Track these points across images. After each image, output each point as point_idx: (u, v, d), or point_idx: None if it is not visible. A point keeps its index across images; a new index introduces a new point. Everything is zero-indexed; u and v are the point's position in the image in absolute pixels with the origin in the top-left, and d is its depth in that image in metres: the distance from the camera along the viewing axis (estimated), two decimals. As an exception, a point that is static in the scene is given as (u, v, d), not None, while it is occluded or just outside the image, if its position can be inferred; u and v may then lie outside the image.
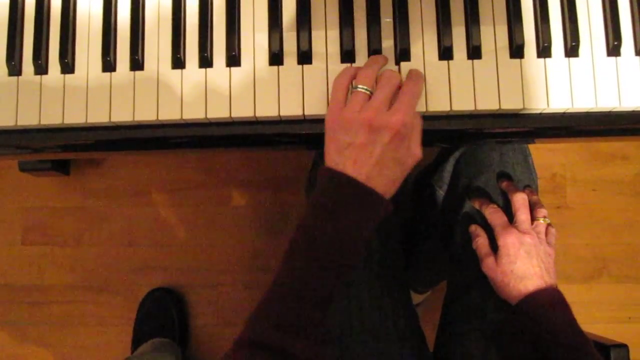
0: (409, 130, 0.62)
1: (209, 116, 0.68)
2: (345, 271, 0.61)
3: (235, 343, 0.58)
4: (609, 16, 0.69)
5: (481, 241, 0.79)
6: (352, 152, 0.61)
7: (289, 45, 0.70)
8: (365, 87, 0.63)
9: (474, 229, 0.81)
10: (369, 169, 0.61)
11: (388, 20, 0.70)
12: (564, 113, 0.69)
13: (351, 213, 0.60)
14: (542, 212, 0.80)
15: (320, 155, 0.91)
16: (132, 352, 1.38)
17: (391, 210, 0.63)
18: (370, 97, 0.63)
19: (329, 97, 0.67)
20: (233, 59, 0.69)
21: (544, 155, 1.51)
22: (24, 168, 1.43)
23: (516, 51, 0.69)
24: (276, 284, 0.60)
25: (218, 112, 0.69)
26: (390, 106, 0.62)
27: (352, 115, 0.62)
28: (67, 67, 0.70)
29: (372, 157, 0.61)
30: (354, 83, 0.65)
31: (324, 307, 0.60)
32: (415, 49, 0.69)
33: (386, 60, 0.68)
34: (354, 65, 0.69)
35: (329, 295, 0.60)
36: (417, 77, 0.66)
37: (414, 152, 0.63)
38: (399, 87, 0.64)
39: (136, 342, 1.39)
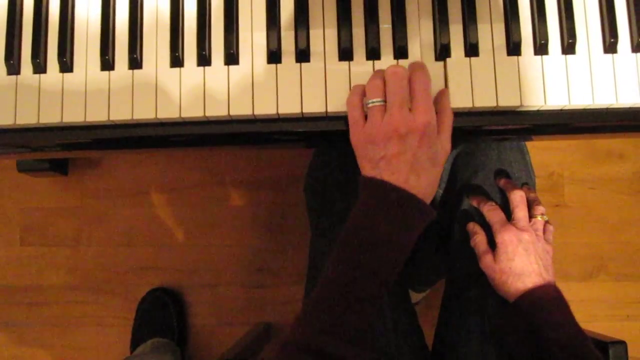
0: (434, 128, 0.62)
1: (207, 114, 0.69)
2: (389, 278, 0.62)
3: (282, 345, 0.59)
4: (605, 13, 0.69)
5: (479, 238, 0.79)
6: (386, 164, 0.61)
7: (287, 44, 0.70)
8: (378, 100, 0.63)
9: (472, 226, 0.81)
10: (407, 175, 0.61)
11: (385, 18, 0.70)
12: (561, 110, 0.70)
13: (397, 218, 0.61)
14: (540, 209, 0.80)
15: (319, 154, 0.91)
16: (131, 352, 1.38)
17: (435, 215, 0.64)
18: (385, 106, 0.63)
19: (348, 116, 0.66)
20: (231, 58, 0.70)
21: (542, 154, 1.51)
22: (22, 168, 1.43)
23: (513, 49, 0.69)
24: (322, 288, 0.61)
25: (216, 110, 0.69)
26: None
27: (376, 130, 0.62)
28: (66, 66, 0.70)
29: (407, 164, 0.61)
30: (365, 100, 0.65)
31: (368, 312, 0.61)
32: (412, 47, 0.70)
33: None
34: (351, 62, 0.69)
35: (374, 301, 0.61)
36: (421, 71, 0.65)
37: (445, 146, 0.64)
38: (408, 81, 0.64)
39: (135, 343, 1.39)
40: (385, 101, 0.63)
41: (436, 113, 0.64)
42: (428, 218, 0.64)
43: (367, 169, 0.63)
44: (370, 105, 0.64)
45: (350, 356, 0.58)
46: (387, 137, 0.61)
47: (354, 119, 0.65)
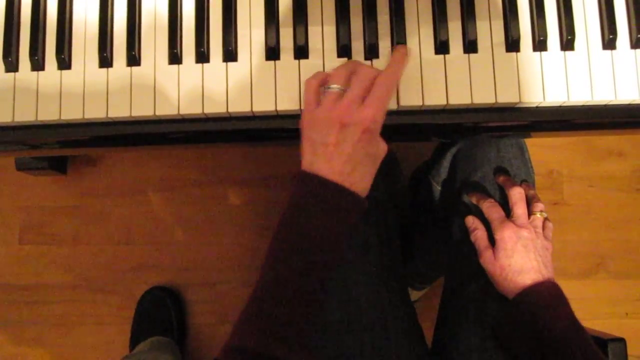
0: (378, 126, 0.62)
1: (206, 112, 0.68)
2: (326, 273, 0.61)
3: (223, 349, 0.58)
4: (604, 10, 0.69)
5: (480, 234, 0.79)
6: (325, 151, 0.61)
7: (286, 41, 0.70)
8: (337, 86, 0.62)
9: (472, 221, 0.81)
10: (342, 167, 0.60)
11: (384, 15, 0.70)
12: (560, 106, 0.70)
13: (326, 213, 0.60)
14: (539, 206, 0.80)
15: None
16: (131, 350, 1.38)
17: (366, 206, 0.63)
18: (341, 95, 0.62)
19: (303, 97, 0.66)
20: (230, 55, 0.69)
21: (541, 152, 1.51)
22: (21, 167, 1.43)
23: (512, 45, 0.69)
24: (258, 289, 0.60)
25: (215, 107, 0.69)
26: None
27: (323, 115, 0.61)
28: (64, 63, 0.70)
29: (344, 155, 0.60)
30: (326, 85, 0.64)
31: (307, 310, 0.60)
32: (411, 43, 0.69)
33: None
34: (350, 59, 0.69)
35: (313, 298, 0.60)
36: (390, 77, 0.64)
37: (382, 146, 0.64)
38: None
39: (134, 341, 1.39)
40: (343, 90, 0.62)
41: None
42: (360, 209, 0.62)
43: (307, 154, 0.62)
44: (327, 90, 0.63)
45: (283, 356, 0.57)
46: (331, 124, 0.60)
47: (307, 100, 0.64)
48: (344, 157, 0.60)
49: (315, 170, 0.61)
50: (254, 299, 0.60)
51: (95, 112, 0.69)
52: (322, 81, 0.64)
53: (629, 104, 0.69)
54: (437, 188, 0.97)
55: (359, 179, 0.61)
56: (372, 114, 0.60)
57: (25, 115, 0.69)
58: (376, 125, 0.61)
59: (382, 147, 0.63)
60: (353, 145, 0.60)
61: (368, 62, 0.69)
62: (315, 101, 0.63)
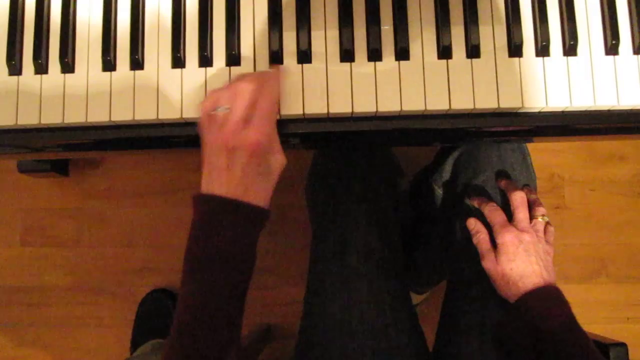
0: (266, 147, 0.63)
1: (208, 115, 0.68)
2: (239, 290, 0.62)
3: None
4: (607, 15, 0.69)
5: (482, 237, 0.79)
6: (218, 174, 0.62)
7: (289, 45, 0.70)
8: (224, 108, 0.63)
9: (474, 223, 0.81)
10: (235, 189, 0.62)
11: (387, 20, 0.70)
12: (562, 112, 0.70)
13: (226, 229, 0.61)
14: (540, 210, 0.80)
15: (320, 155, 0.91)
16: (131, 353, 1.38)
17: (269, 216, 0.65)
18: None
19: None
20: (233, 58, 0.70)
21: (543, 156, 1.51)
22: (23, 169, 1.43)
23: (515, 50, 0.69)
24: (181, 312, 0.61)
25: (218, 111, 0.69)
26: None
27: (212, 138, 0.63)
28: (67, 66, 0.70)
29: (236, 178, 0.62)
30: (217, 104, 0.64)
31: (229, 328, 0.61)
32: (414, 48, 0.70)
33: (251, 76, 0.66)
34: (353, 64, 0.69)
35: (230, 315, 0.61)
36: (273, 88, 0.65)
37: (278, 159, 0.65)
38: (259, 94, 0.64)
39: (135, 344, 1.39)
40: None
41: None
42: (261, 219, 0.64)
43: (205, 176, 0.64)
44: (215, 113, 0.63)
45: None
46: (219, 148, 0.62)
47: (202, 123, 0.65)
48: (236, 180, 0.62)
49: (211, 191, 0.62)
50: (178, 323, 0.60)
51: (98, 115, 0.69)
52: (213, 103, 0.64)
53: (632, 109, 0.69)
54: (439, 192, 0.97)
55: (253, 195, 0.63)
56: (257, 138, 0.61)
57: (28, 118, 0.69)
58: (262, 147, 0.62)
59: (277, 161, 0.65)
60: (242, 168, 0.62)
61: (371, 65, 0.69)
62: (209, 124, 0.64)
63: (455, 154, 0.92)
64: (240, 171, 0.61)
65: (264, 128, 0.62)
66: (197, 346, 0.59)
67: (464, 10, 0.70)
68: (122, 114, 0.69)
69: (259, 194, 0.64)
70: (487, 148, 0.87)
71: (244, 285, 0.63)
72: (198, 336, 0.59)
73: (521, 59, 0.69)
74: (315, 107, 0.68)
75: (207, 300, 0.60)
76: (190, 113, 0.69)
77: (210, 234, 0.61)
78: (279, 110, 0.68)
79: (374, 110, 0.68)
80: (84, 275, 1.47)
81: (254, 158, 0.62)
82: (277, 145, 0.65)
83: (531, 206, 0.80)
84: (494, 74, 0.69)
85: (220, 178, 0.62)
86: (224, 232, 0.61)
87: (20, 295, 1.48)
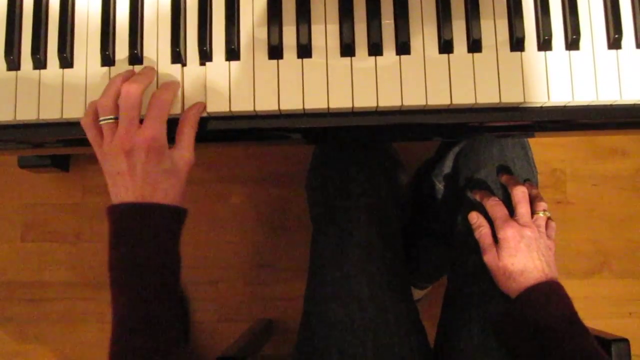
0: (163, 142, 0.63)
1: (208, 110, 0.68)
2: (167, 291, 0.63)
3: None
4: (609, 9, 0.69)
5: (484, 231, 0.79)
6: (121, 180, 0.63)
7: (289, 39, 0.70)
8: (108, 118, 0.64)
9: (476, 217, 0.81)
10: (141, 190, 0.62)
11: (388, 14, 0.70)
12: (564, 106, 0.69)
13: (141, 234, 0.62)
14: (542, 205, 0.80)
15: (320, 150, 0.91)
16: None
17: (185, 212, 0.66)
18: (117, 123, 0.64)
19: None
20: (233, 53, 0.69)
21: (544, 150, 1.51)
22: (23, 164, 1.43)
23: (517, 44, 0.69)
24: (113, 336, 0.61)
25: (218, 106, 0.68)
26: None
27: (108, 148, 0.63)
28: (66, 61, 0.70)
29: (139, 178, 0.62)
30: (99, 117, 0.65)
31: (167, 329, 0.61)
32: (415, 43, 0.69)
33: (130, 73, 0.67)
34: (353, 58, 0.69)
35: (165, 317, 0.62)
36: (163, 88, 0.66)
37: (184, 156, 0.65)
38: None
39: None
40: (116, 118, 0.64)
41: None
42: (176, 217, 0.65)
43: (110, 188, 0.65)
44: (102, 123, 0.64)
45: None
46: (116, 154, 0.62)
47: (92, 138, 0.65)
48: (140, 181, 0.62)
49: (120, 200, 0.63)
50: (116, 340, 0.61)
51: (97, 110, 0.69)
52: (95, 116, 0.65)
53: (634, 104, 0.69)
54: (440, 187, 0.97)
55: (163, 194, 0.64)
56: (151, 134, 0.62)
57: (27, 113, 0.69)
58: (160, 142, 0.63)
59: (183, 158, 0.66)
60: (143, 167, 0.62)
61: (372, 59, 0.69)
62: (98, 137, 0.65)
63: (457, 149, 0.92)
64: (142, 171, 0.62)
65: (157, 126, 0.63)
66: (140, 353, 0.59)
67: (465, 4, 0.70)
68: (121, 109, 0.69)
69: (167, 193, 0.64)
70: (488, 143, 0.86)
71: (172, 286, 0.64)
72: (137, 346, 0.60)
73: (523, 53, 0.69)
74: (316, 102, 0.68)
75: (137, 309, 0.61)
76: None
77: (126, 242, 0.62)
78: (205, 107, 0.69)
79: (375, 105, 0.68)
80: (84, 271, 1.48)
81: (153, 154, 0.62)
82: (184, 142, 0.66)
83: (532, 201, 0.80)
84: (496, 69, 0.68)
85: (125, 184, 0.63)
86: (138, 237, 0.62)
87: (21, 291, 1.48)
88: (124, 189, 0.63)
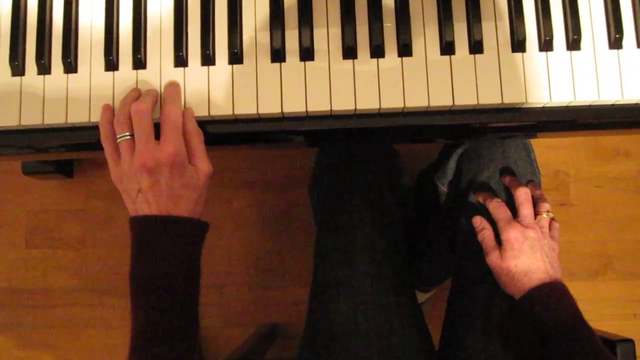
0: (182, 156, 0.64)
1: (211, 114, 0.69)
2: (187, 304, 0.64)
3: None
4: (610, 9, 0.69)
5: (487, 234, 0.79)
6: (143, 197, 0.63)
7: (291, 43, 0.70)
8: (125, 134, 0.64)
9: (479, 221, 0.81)
10: (164, 205, 0.63)
11: (390, 16, 0.70)
12: (566, 107, 0.69)
13: (164, 248, 0.62)
14: (545, 206, 0.80)
15: (323, 153, 0.91)
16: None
17: (206, 228, 0.67)
18: (134, 140, 0.64)
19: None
20: (235, 57, 0.69)
21: (547, 152, 1.51)
22: (27, 171, 1.43)
23: (518, 45, 0.69)
24: (132, 345, 0.61)
25: (221, 110, 0.69)
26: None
27: (128, 165, 0.63)
28: (70, 66, 0.70)
29: (163, 194, 0.63)
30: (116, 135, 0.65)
31: (185, 341, 0.62)
32: (417, 45, 0.69)
33: (137, 92, 0.68)
34: (356, 61, 0.69)
35: (183, 329, 0.63)
36: (170, 103, 0.66)
37: (202, 168, 0.66)
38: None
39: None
40: (132, 135, 0.64)
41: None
42: (197, 230, 0.66)
43: (129, 205, 0.65)
44: (119, 140, 0.64)
45: None
46: (138, 171, 0.63)
47: (109, 153, 0.66)
48: (164, 197, 0.63)
49: (141, 213, 0.64)
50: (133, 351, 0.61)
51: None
52: (112, 135, 0.65)
53: (636, 104, 0.69)
54: (443, 189, 0.97)
55: (185, 207, 0.64)
56: (173, 150, 0.63)
57: (31, 118, 0.69)
58: (182, 157, 0.63)
59: (201, 170, 0.66)
60: (167, 183, 0.63)
61: (374, 62, 0.69)
62: (116, 155, 0.65)
63: (459, 151, 0.92)
64: (165, 186, 0.63)
65: (176, 141, 0.63)
66: None
67: (467, 5, 0.70)
68: (125, 114, 0.69)
69: (189, 207, 0.65)
70: (490, 144, 0.86)
71: (193, 298, 0.64)
72: (156, 355, 0.60)
73: (524, 54, 0.69)
74: (318, 104, 0.68)
75: (158, 319, 0.61)
76: (194, 111, 0.69)
77: (149, 256, 0.62)
78: (193, 112, 0.68)
79: (377, 107, 0.68)
80: (89, 277, 1.48)
81: (176, 170, 0.63)
82: (197, 154, 0.66)
83: (536, 202, 0.80)
84: (497, 70, 0.68)
85: (147, 200, 0.63)
86: (161, 250, 0.62)
87: (26, 297, 1.48)
88: (146, 204, 0.63)
